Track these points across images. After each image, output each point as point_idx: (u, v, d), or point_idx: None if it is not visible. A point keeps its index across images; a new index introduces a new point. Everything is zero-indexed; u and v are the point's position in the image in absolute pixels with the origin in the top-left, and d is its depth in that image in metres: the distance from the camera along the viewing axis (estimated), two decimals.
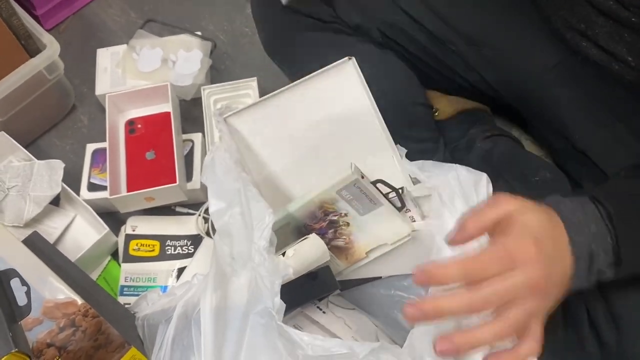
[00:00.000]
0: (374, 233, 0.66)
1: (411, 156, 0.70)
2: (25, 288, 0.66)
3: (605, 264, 0.44)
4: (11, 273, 0.66)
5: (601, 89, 0.63)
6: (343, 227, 0.67)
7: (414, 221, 0.67)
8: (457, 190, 0.62)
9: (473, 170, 0.63)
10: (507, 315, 0.40)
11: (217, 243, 0.63)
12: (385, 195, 0.65)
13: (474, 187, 0.62)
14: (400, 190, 0.66)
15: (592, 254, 0.44)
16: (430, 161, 0.67)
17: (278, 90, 0.68)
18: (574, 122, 0.64)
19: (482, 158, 0.74)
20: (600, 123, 0.62)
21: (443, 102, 0.84)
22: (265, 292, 0.54)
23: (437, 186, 0.62)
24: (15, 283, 0.66)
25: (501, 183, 0.69)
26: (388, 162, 0.69)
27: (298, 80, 0.67)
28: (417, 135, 0.75)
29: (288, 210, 0.67)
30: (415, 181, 0.68)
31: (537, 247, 0.41)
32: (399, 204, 0.67)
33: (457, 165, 0.64)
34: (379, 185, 0.65)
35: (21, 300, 0.64)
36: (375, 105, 0.67)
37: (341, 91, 0.67)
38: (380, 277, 0.76)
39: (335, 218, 0.66)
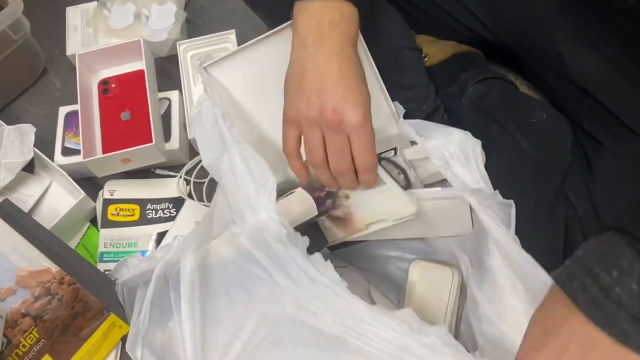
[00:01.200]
0: (375, 208, 0.62)
1: (401, 104, 0.66)
2: None
3: None
4: None
5: (601, 20, 0.58)
6: (342, 198, 0.63)
7: (408, 181, 0.64)
8: (454, 155, 0.58)
9: (470, 135, 0.59)
10: None
11: (217, 199, 0.61)
12: (389, 172, 0.61)
13: (471, 152, 0.59)
14: (393, 151, 0.62)
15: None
16: (428, 122, 0.63)
17: (260, 37, 0.64)
18: (574, 57, 0.60)
19: (474, 102, 0.69)
20: (601, 56, 0.58)
21: (433, 46, 0.79)
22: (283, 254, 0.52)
23: (433, 150, 0.59)
24: None
25: (495, 127, 0.65)
26: (384, 119, 0.64)
27: (282, 25, 0.62)
28: (407, 81, 0.70)
29: (288, 175, 0.64)
30: (413, 143, 0.65)
31: None
32: (404, 182, 0.63)
33: (454, 128, 0.60)
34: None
35: None
36: (369, 54, 0.63)
37: None
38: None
39: (334, 190, 0.62)
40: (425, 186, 0.67)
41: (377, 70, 0.64)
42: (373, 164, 0.54)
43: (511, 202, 0.54)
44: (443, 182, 0.66)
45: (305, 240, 0.52)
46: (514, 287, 0.53)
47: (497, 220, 0.52)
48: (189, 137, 0.83)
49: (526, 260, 0.49)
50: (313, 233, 0.66)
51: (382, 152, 0.62)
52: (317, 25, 0.52)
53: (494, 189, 0.57)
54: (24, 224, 0.71)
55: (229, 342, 0.50)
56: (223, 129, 0.61)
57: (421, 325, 0.47)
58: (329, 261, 0.51)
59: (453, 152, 0.58)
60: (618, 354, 0.37)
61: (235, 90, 0.68)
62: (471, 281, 0.59)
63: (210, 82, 0.67)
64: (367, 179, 0.55)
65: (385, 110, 0.64)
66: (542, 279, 0.48)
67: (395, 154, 0.61)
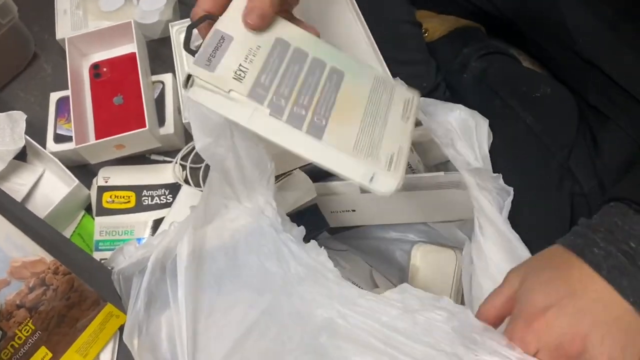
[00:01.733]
0: None
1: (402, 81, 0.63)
2: None
3: None
4: None
5: None
6: None
7: (411, 167, 0.61)
8: (458, 132, 0.56)
9: (477, 113, 0.57)
10: None
11: (210, 183, 0.58)
12: None
13: (475, 131, 0.57)
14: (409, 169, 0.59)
15: None
16: (431, 99, 0.61)
17: None
18: (578, 26, 0.58)
19: (477, 78, 0.67)
20: (604, 22, 0.55)
21: (434, 21, 0.77)
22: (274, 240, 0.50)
23: (437, 127, 0.56)
24: None
25: (498, 102, 0.63)
26: None
27: None
28: (407, 57, 0.68)
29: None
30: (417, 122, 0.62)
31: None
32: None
33: (460, 105, 0.58)
34: None
35: None
36: (368, 30, 0.60)
37: (331, 17, 0.59)
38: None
39: None
40: (429, 169, 0.66)
41: (376, 46, 0.62)
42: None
43: (511, 189, 0.52)
44: (446, 164, 0.64)
45: (301, 230, 0.50)
46: (498, 266, 0.51)
47: (493, 202, 0.50)
48: (183, 121, 0.81)
49: (517, 242, 0.48)
50: (313, 216, 0.64)
51: None
52: None
53: (498, 166, 0.55)
54: (17, 213, 0.69)
55: (223, 331, 0.49)
56: None
57: (421, 304, 0.45)
58: (323, 248, 0.49)
59: (456, 129, 0.56)
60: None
61: None
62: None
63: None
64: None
65: None
66: None
67: None
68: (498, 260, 0.52)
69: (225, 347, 0.48)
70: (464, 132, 0.57)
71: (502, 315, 0.41)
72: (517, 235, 0.49)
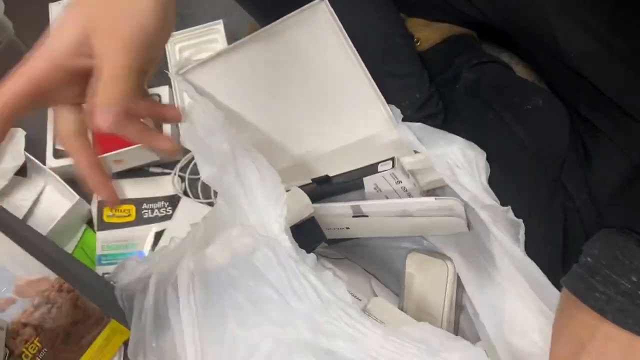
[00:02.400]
0: None
1: (393, 94, 0.63)
2: None
3: None
4: None
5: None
6: None
7: (406, 191, 0.62)
8: (459, 165, 0.57)
9: (475, 145, 0.58)
10: None
11: (218, 207, 0.59)
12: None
13: (474, 162, 0.58)
14: (391, 162, 0.60)
15: None
16: (428, 127, 0.60)
17: (240, 40, 0.59)
18: (567, 39, 0.58)
19: (469, 89, 0.68)
20: (592, 34, 0.56)
21: (425, 30, 0.77)
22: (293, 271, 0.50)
23: (437, 159, 0.57)
24: None
25: (491, 115, 0.63)
26: (380, 124, 0.61)
27: (262, 29, 0.59)
28: (398, 70, 0.68)
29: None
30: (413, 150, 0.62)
31: None
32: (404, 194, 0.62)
33: (457, 137, 0.58)
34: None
35: None
36: (358, 55, 0.59)
37: (315, 39, 0.57)
38: None
39: None
40: (426, 192, 0.66)
41: (367, 72, 0.60)
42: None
43: (520, 221, 0.54)
44: (443, 188, 0.64)
45: (313, 259, 0.51)
46: (521, 296, 0.52)
47: (507, 234, 0.51)
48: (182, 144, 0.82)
49: (539, 276, 0.49)
50: (311, 229, 0.65)
51: (379, 162, 0.61)
52: None
53: (492, 181, 0.56)
54: (20, 231, 0.70)
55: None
56: (227, 135, 0.58)
57: (440, 343, 0.46)
58: (339, 281, 0.49)
59: (457, 163, 0.57)
60: None
61: (218, 94, 0.63)
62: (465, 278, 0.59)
63: (191, 90, 0.63)
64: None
65: (382, 114, 0.61)
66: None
67: (394, 165, 0.59)
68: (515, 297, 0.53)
69: None
70: (465, 165, 0.58)
71: None
72: (536, 266, 0.50)
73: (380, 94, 0.58)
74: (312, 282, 0.48)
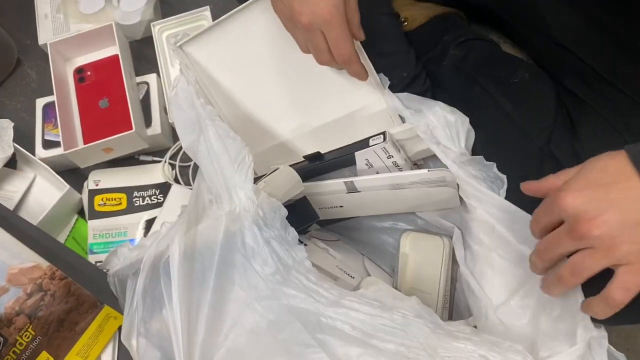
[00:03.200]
0: None
1: (380, 72, 0.64)
2: None
3: None
4: None
5: None
6: None
7: (397, 166, 0.63)
8: (440, 129, 0.58)
9: (456, 110, 0.59)
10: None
11: (197, 181, 0.61)
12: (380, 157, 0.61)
13: (456, 127, 0.58)
14: (383, 136, 0.61)
15: None
16: (414, 95, 0.62)
17: (234, 11, 0.63)
18: (550, 10, 0.58)
19: (455, 66, 0.68)
20: (576, 7, 0.56)
21: (412, 9, 0.77)
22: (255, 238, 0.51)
23: (420, 124, 0.58)
24: None
25: (477, 89, 0.64)
26: (370, 93, 0.63)
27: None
28: (385, 48, 0.68)
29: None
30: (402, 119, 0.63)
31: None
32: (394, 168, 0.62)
33: (440, 102, 0.60)
34: None
35: None
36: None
37: None
38: None
39: None
40: (415, 164, 0.67)
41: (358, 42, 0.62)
42: (348, 55, 0.54)
43: (504, 177, 0.54)
44: (433, 158, 0.65)
45: (283, 223, 0.52)
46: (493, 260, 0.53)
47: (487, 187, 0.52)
48: (170, 121, 0.82)
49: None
50: (303, 208, 0.65)
51: (371, 137, 0.61)
52: None
53: (479, 153, 0.56)
54: (11, 221, 0.70)
55: (216, 326, 0.51)
56: (198, 108, 0.60)
57: (393, 300, 0.48)
58: (302, 245, 0.51)
59: (438, 125, 0.58)
60: None
61: (213, 67, 0.67)
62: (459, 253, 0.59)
63: (187, 61, 0.66)
64: (352, 71, 0.58)
65: (371, 83, 0.62)
66: None
67: (385, 139, 0.59)
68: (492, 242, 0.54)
69: (219, 340, 0.50)
70: (445, 127, 0.59)
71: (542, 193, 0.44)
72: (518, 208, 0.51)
73: (369, 62, 0.58)
74: (275, 247, 0.50)
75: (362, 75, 0.58)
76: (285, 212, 0.54)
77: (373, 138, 0.60)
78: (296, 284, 0.49)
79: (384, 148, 0.59)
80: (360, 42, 0.63)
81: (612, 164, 0.40)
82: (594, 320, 0.48)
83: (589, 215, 0.38)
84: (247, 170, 0.55)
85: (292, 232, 0.52)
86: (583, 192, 0.39)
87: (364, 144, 0.61)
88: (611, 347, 0.48)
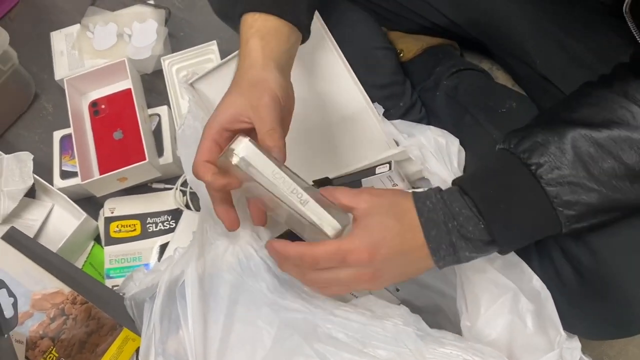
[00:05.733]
0: None
1: (378, 103, 0.69)
2: (12, 299, 0.66)
3: (475, 248, 0.46)
4: None
5: (559, 9, 0.61)
6: None
7: (394, 184, 0.67)
8: (431, 151, 0.62)
9: (446, 132, 0.63)
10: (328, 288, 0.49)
11: (200, 214, 0.64)
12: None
13: (446, 149, 0.63)
14: (389, 165, 0.66)
15: (454, 245, 0.46)
16: (408, 122, 0.67)
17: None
18: (534, 46, 0.63)
19: (448, 96, 0.72)
20: (560, 45, 0.61)
21: (407, 41, 0.82)
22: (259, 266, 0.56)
23: (411, 147, 0.62)
24: (2, 295, 0.66)
25: (468, 118, 0.68)
26: (368, 123, 0.67)
27: None
28: (381, 81, 0.73)
29: None
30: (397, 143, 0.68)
31: (370, 254, 0.45)
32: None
33: (431, 126, 0.64)
34: None
35: (8, 312, 0.65)
36: (347, 62, 0.65)
37: (309, 47, 0.64)
38: None
39: None
40: (412, 184, 0.71)
41: (353, 73, 0.67)
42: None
43: None
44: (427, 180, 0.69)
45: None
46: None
47: None
48: (177, 154, 0.86)
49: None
50: None
51: (377, 165, 0.65)
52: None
53: None
54: (33, 249, 0.74)
55: (226, 348, 0.55)
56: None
57: (383, 309, 0.52)
58: None
59: (429, 149, 0.62)
60: None
61: None
62: None
63: (196, 98, 0.70)
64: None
65: (367, 113, 0.67)
66: None
67: (390, 168, 0.64)
68: None
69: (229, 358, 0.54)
70: (436, 150, 0.63)
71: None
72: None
73: (363, 90, 0.63)
74: (270, 264, 0.55)
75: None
76: (275, 233, 0.58)
77: (379, 167, 0.65)
78: (292, 297, 0.53)
79: (390, 177, 0.63)
80: (358, 76, 0.67)
81: None
82: (567, 331, 0.52)
83: None
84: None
85: None
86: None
87: (370, 171, 0.65)
88: (584, 357, 0.51)
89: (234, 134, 0.49)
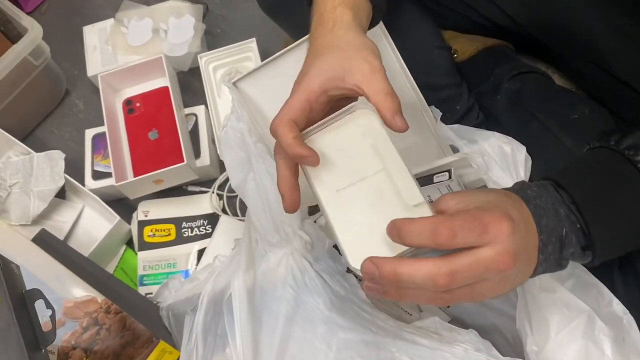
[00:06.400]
0: None
1: (434, 106, 0.64)
2: (50, 311, 0.63)
3: (578, 247, 0.41)
4: (36, 294, 0.62)
5: (634, 6, 0.56)
6: None
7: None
8: (495, 159, 0.57)
9: (512, 139, 0.58)
10: (456, 295, 0.37)
11: (247, 221, 0.60)
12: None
13: (511, 156, 0.58)
14: (448, 173, 0.61)
15: (563, 238, 0.40)
16: (467, 127, 0.60)
17: (288, 48, 0.63)
18: (612, 50, 0.58)
19: (511, 100, 0.68)
20: (634, 44, 0.55)
21: (462, 41, 0.77)
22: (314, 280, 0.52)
23: (473, 156, 0.57)
24: (39, 306, 0.62)
25: (535, 125, 0.63)
26: (423, 127, 0.63)
27: (307, 36, 0.61)
28: (437, 82, 0.69)
29: None
30: (454, 149, 0.63)
31: (512, 224, 0.36)
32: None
33: (494, 132, 0.58)
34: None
35: (46, 325, 0.61)
36: (402, 61, 0.61)
37: None
38: None
39: None
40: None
41: (409, 73, 0.63)
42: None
43: None
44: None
45: (332, 254, 0.52)
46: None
47: None
48: (220, 158, 0.83)
49: None
50: None
51: (435, 174, 0.61)
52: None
53: None
54: (65, 252, 0.71)
55: None
56: (249, 146, 0.60)
57: (450, 333, 0.48)
58: (351, 274, 0.51)
59: (493, 157, 0.57)
60: None
61: (265, 104, 0.67)
62: None
63: (240, 98, 0.66)
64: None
65: (422, 116, 0.62)
66: None
67: (450, 177, 0.59)
68: None
69: None
70: (501, 158, 0.58)
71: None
72: None
73: (420, 94, 0.58)
74: (326, 279, 0.51)
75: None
76: (331, 242, 0.54)
77: (437, 175, 0.60)
78: (351, 316, 0.49)
79: (449, 186, 0.59)
80: (414, 77, 0.63)
81: None
82: None
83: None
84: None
85: (341, 263, 0.53)
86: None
87: (428, 180, 0.60)
88: None
89: (328, 100, 0.44)
